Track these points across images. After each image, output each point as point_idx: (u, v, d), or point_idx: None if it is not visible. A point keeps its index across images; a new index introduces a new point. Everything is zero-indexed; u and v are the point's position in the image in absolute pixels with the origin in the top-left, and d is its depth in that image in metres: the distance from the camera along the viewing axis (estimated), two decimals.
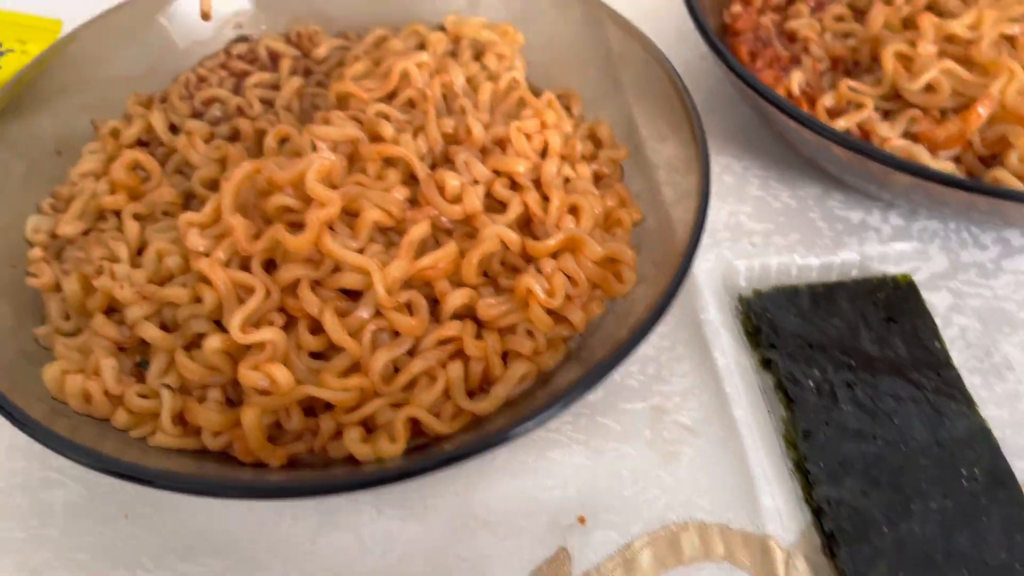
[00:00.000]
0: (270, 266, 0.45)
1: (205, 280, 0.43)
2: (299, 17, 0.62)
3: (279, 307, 0.43)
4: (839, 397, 0.46)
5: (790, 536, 0.42)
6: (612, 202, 0.50)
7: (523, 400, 0.44)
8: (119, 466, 0.36)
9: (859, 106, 0.54)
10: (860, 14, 0.61)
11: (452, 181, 0.46)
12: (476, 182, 0.48)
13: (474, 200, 0.46)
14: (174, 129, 0.55)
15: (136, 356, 0.44)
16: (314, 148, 0.48)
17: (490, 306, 0.44)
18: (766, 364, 0.48)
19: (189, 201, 0.51)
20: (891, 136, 0.53)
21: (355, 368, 0.42)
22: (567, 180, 0.50)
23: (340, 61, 0.60)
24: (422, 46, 0.59)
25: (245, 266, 0.44)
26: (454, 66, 0.54)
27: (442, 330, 0.43)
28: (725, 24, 0.64)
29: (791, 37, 0.61)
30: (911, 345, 0.49)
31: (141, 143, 0.55)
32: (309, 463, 0.41)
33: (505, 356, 0.45)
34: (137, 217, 0.49)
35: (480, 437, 0.38)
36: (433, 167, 0.50)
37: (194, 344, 0.43)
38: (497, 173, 0.49)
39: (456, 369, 0.42)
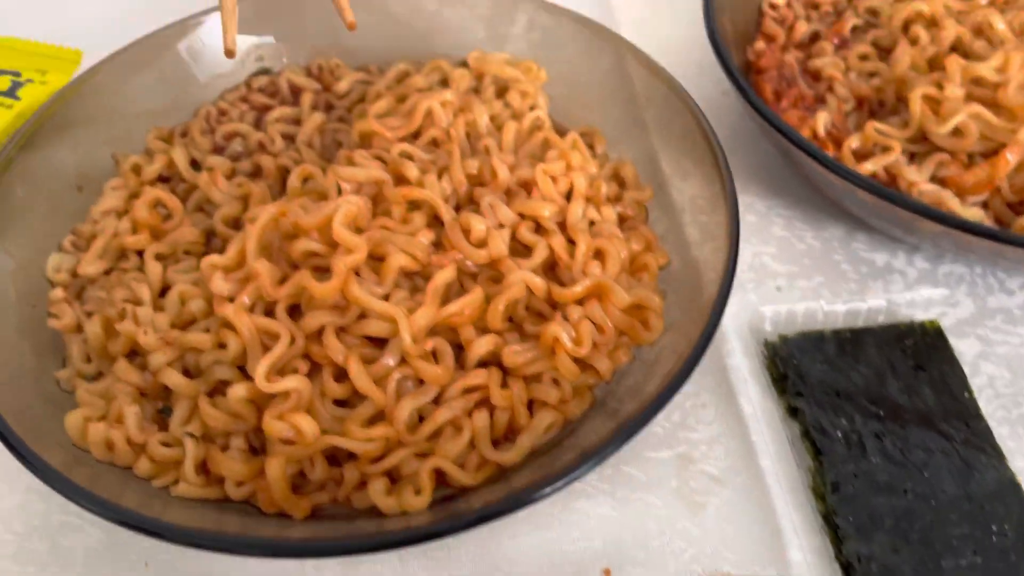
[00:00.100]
0: (294, 310, 0.44)
1: (229, 326, 0.42)
2: (320, 50, 0.62)
3: (303, 353, 0.43)
4: (868, 448, 0.45)
5: None
6: (638, 246, 0.50)
7: (548, 449, 0.43)
8: (138, 520, 0.36)
9: (886, 149, 0.54)
10: (884, 52, 0.61)
11: (478, 225, 0.46)
12: (501, 225, 0.48)
13: (500, 244, 0.46)
14: (195, 164, 0.55)
15: (158, 402, 0.44)
16: (339, 190, 0.47)
17: (516, 353, 0.44)
18: (793, 412, 0.48)
19: (211, 239, 0.51)
20: (919, 180, 0.52)
21: (380, 416, 0.42)
22: (592, 223, 0.50)
23: (362, 96, 0.60)
24: (444, 82, 0.59)
25: (269, 310, 0.44)
26: (478, 105, 0.54)
27: (468, 379, 0.42)
28: (748, 61, 0.63)
29: (815, 76, 0.61)
30: (940, 394, 0.48)
31: (162, 179, 0.54)
32: (333, 514, 0.41)
33: (530, 403, 0.44)
34: (159, 257, 0.48)
35: (509, 496, 0.37)
36: (457, 208, 0.49)
37: (217, 390, 0.43)
38: (522, 216, 0.48)
39: (482, 419, 0.42)
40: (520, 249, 0.48)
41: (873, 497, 0.44)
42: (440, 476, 0.42)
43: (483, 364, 0.44)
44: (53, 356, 0.46)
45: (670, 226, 0.53)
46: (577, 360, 0.44)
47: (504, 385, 0.43)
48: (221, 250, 0.49)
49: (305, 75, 0.61)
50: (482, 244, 0.46)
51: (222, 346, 0.43)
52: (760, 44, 0.63)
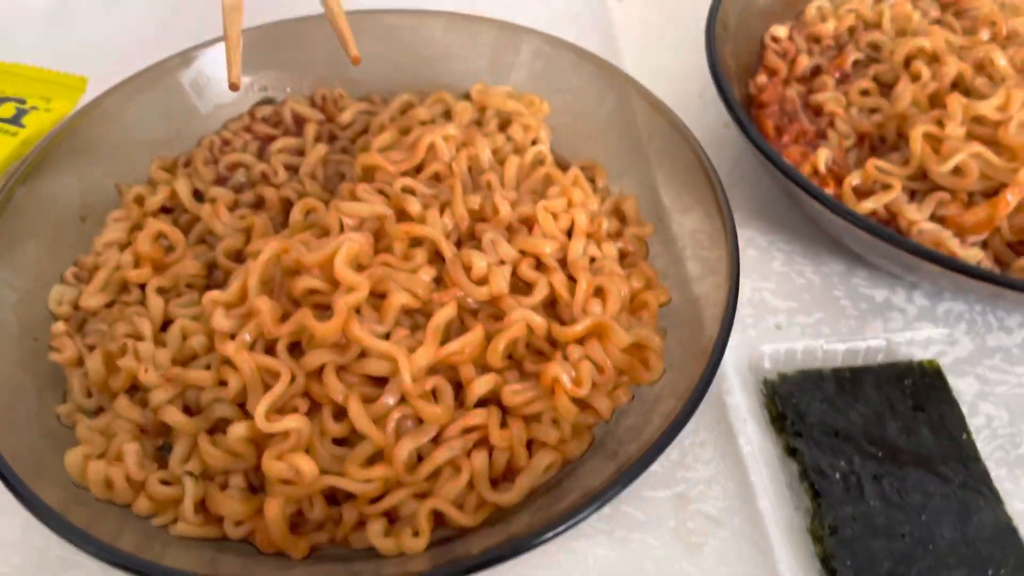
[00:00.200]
0: (295, 346, 0.44)
1: (230, 364, 0.42)
2: (324, 79, 0.63)
3: (304, 391, 0.43)
4: (866, 490, 0.45)
5: None
6: (638, 283, 0.50)
7: (548, 489, 0.43)
8: (134, 563, 0.36)
9: (886, 186, 0.54)
10: (886, 87, 0.61)
11: (479, 262, 0.46)
12: (502, 262, 0.48)
13: (500, 282, 0.46)
14: (198, 194, 0.55)
15: (159, 439, 0.44)
16: (341, 226, 0.47)
17: (515, 393, 0.44)
18: (791, 452, 0.48)
19: (213, 272, 0.51)
20: (919, 219, 0.53)
21: (379, 456, 0.42)
22: (593, 259, 0.50)
23: (365, 127, 0.60)
24: (448, 114, 0.59)
25: (270, 347, 0.44)
26: (480, 139, 0.54)
27: (467, 419, 0.43)
28: (750, 94, 0.64)
29: (817, 110, 0.61)
30: (938, 435, 0.48)
31: (165, 209, 0.55)
32: (331, 555, 0.41)
33: (529, 443, 0.44)
34: (160, 290, 0.48)
35: (509, 540, 0.37)
36: (459, 244, 0.50)
37: (217, 428, 0.43)
38: (523, 253, 0.48)
39: (481, 460, 0.42)
40: (521, 286, 0.48)
41: (871, 540, 0.44)
42: (439, 516, 0.42)
43: (483, 402, 0.44)
44: (54, 390, 0.46)
45: (671, 260, 0.53)
46: (577, 400, 0.44)
47: (503, 424, 0.44)
48: (223, 283, 0.50)
49: (309, 105, 0.61)
50: (483, 281, 0.46)
51: (223, 383, 0.43)
52: (762, 78, 0.64)
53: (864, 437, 0.48)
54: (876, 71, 0.62)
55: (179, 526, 0.40)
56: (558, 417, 0.44)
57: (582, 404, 0.44)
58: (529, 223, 0.50)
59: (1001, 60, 0.59)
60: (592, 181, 0.58)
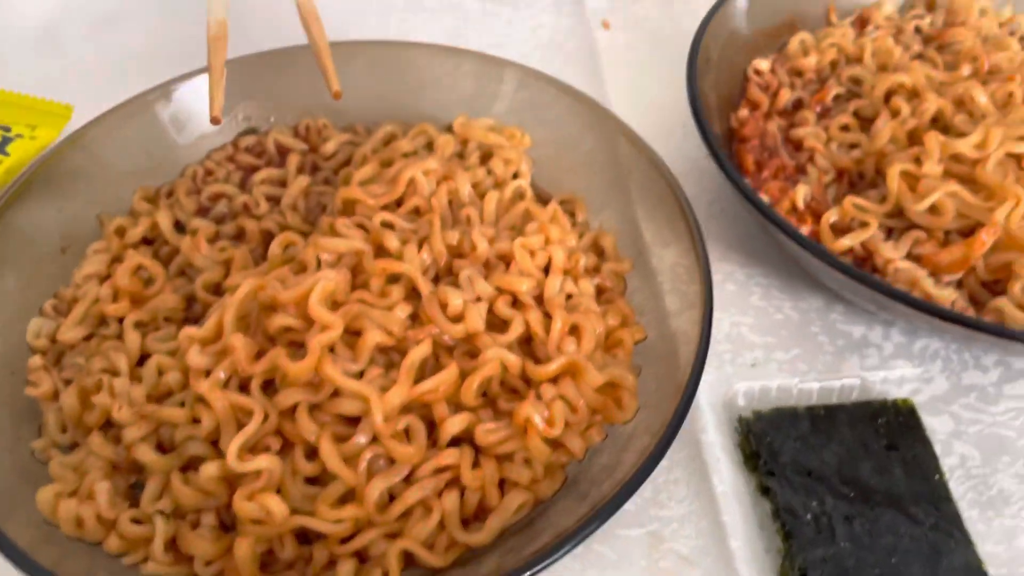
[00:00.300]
0: (270, 384, 0.45)
1: (204, 401, 0.43)
2: (308, 109, 0.63)
3: (276, 430, 0.43)
4: (837, 533, 0.45)
5: None
6: (614, 321, 0.50)
7: (519, 529, 0.44)
8: None
9: (864, 224, 0.54)
10: (867, 122, 0.61)
11: (455, 300, 0.46)
12: (479, 299, 0.48)
13: (476, 319, 0.46)
14: (180, 225, 0.55)
15: (132, 476, 0.44)
16: (319, 262, 0.48)
17: (488, 432, 0.44)
18: (764, 490, 0.48)
19: (192, 304, 0.51)
20: (894, 257, 0.53)
21: (351, 495, 0.42)
22: (569, 296, 0.50)
23: (348, 158, 0.60)
24: (430, 145, 0.59)
25: (244, 384, 0.44)
26: (461, 174, 0.54)
27: (440, 459, 0.43)
28: (732, 128, 0.64)
29: (797, 145, 0.62)
30: (911, 475, 0.48)
31: (147, 240, 0.55)
32: None
33: (501, 482, 0.44)
34: (138, 324, 0.49)
35: None
36: (436, 279, 0.50)
37: (191, 465, 0.43)
38: (500, 290, 0.49)
39: (452, 500, 0.42)
40: (497, 323, 0.48)
41: None
42: (409, 556, 0.42)
43: (456, 440, 0.44)
44: (30, 424, 0.47)
45: (650, 295, 0.54)
46: (549, 439, 0.44)
47: (476, 464, 0.44)
48: (202, 316, 0.50)
49: (293, 135, 0.62)
50: (459, 318, 0.47)
51: (197, 421, 0.43)
52: (744, 112, 0.64)
53: (837, 477, 0.48)
54: (857, 106, 0.62)
55: (149, 566, 0.40)
56: (530, 457, 0.44)
57: (555, 443, 0.45)
58: (507, 259, 0.50)
59: (981, 97, 0.59)
60: (572, 215, 0.58)
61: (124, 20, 0.79)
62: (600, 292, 0.53)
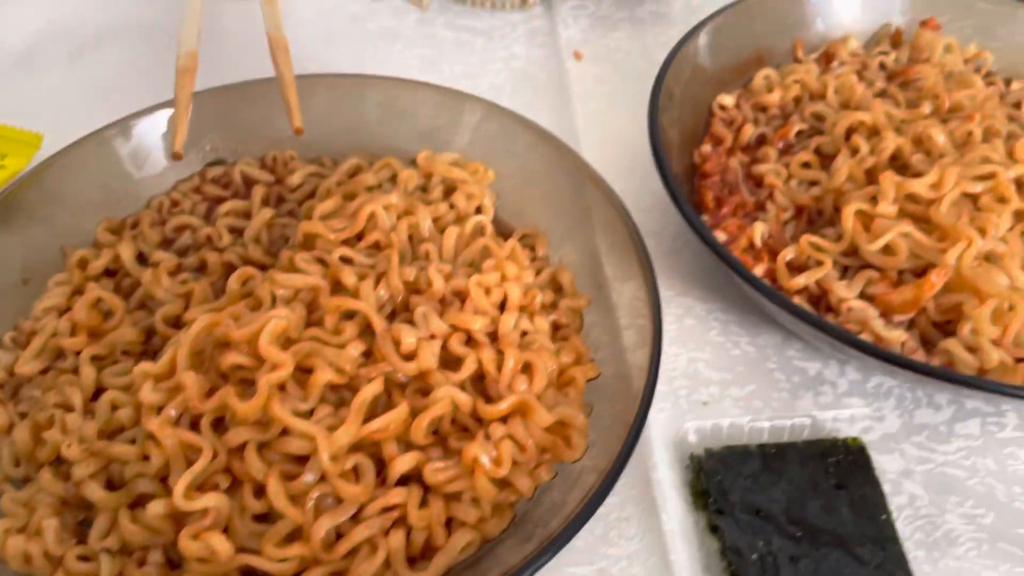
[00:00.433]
0: (221, 421, 0.45)
1: (154, 438, 0.43)
2: (275, 141, 0.63)
3: (225, 468, 0.43)
4: (782, 573, 0.46)
5: None
6: (568, 358, 0.51)
7: (465, 567, 0.44)
8: None
9: (820, 262, 0.55)
10: (828, 159, 0.62)
11: (408, 338, 0.47)
12: (433, 336, 0.49)
13: (429, 358, 0.47)
14: (143, 258, 0.56)
15: (81, 513, 0.44)
16: (273, 298, 0.48)
17: (437, 471, 0.44)
18: (713, 529, 0.49)
19: (151, 337, 0.52)
20: (848, 297, 0.54)
21: (297, 533, 0.43)
22: (524, 333, 0.51)
23: (313, 190, 0.61)
24: (395, 179, 0.60)
25: (196, 421, 0.44)
26: (422, 209, 0.55)
27: (387, 498, 0.43)
28: (695, 164, 0.65)
29: (759, 181, 0.62)
30: (858, 515, 0.49)
31: (109, 272, 0.55)
32: None
33: (449, 520, 0.45)
34: (96, 358, 0.49)
35: None
36: (393, 314, 0.50)
37: (139, 502, 0.44)
38: (454, 328, 0.49)
39: (398, 539, 0.43)
40: (452, 359, 0.49)
41: None
42: None
43: (405, 478, 0.45)
44: None
45: (608, 329, 0.54)
46: (497, 478, 0.45)
47: (424, 503, 0.44)
48: (161, 349, 0.51)
49: (259, 167, 0.62)
50: (412, 356, 0.47)
51: (147, 458, 0.44)
52: (706, 147, 0.65)
53: (785, 516, 0.48)
54: (818, 143, 0.63)
55: None
56: (478, 496, 0.44)
57: (503, 482, 0.45)
58: (463, 296, 0.51)
59: (939, 136, 0.60)
60: (533, 248, 0.59)
61: (102, 48, 0.80)
62: (556, 328, 0.53)
